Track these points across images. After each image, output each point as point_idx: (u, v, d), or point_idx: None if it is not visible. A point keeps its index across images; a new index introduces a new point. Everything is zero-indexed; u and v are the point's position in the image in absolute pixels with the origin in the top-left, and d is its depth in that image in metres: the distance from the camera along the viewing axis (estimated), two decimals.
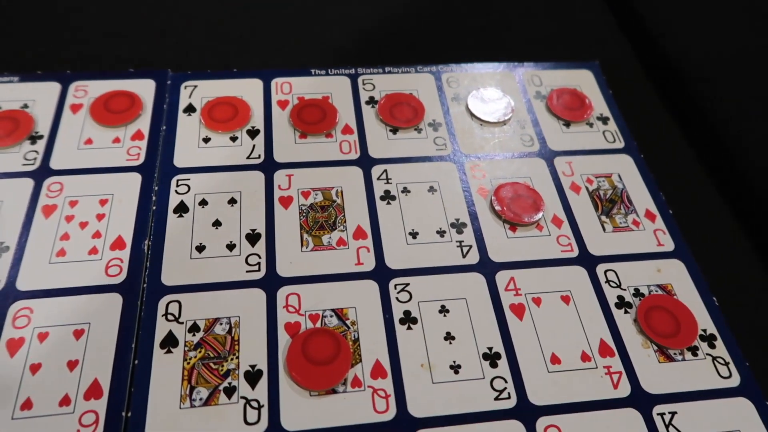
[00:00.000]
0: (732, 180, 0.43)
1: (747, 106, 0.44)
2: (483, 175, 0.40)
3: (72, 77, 0.41)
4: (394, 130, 0.42)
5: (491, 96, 0.44)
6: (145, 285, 0.32)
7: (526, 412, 0.30)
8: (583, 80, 0.47)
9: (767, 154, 0.41)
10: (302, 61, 0.46)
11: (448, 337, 0.32)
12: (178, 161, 0.38)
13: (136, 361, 0.30)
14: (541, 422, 0.30)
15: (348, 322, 0.32)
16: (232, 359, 0.30)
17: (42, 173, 0.36)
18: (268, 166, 0.38)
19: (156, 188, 0.36)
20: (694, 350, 0.33)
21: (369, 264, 0.35)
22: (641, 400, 0.31)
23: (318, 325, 0.32)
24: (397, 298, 0.34)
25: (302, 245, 0.35)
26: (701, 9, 0.49)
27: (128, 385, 0.29)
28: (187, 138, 0.39)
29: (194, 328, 0.31)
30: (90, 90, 0.41)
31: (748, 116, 0.43)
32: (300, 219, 0.36)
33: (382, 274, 0.34)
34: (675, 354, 0.33)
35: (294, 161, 0.39)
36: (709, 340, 0.34)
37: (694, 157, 0.45)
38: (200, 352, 0.31)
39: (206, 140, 0.39)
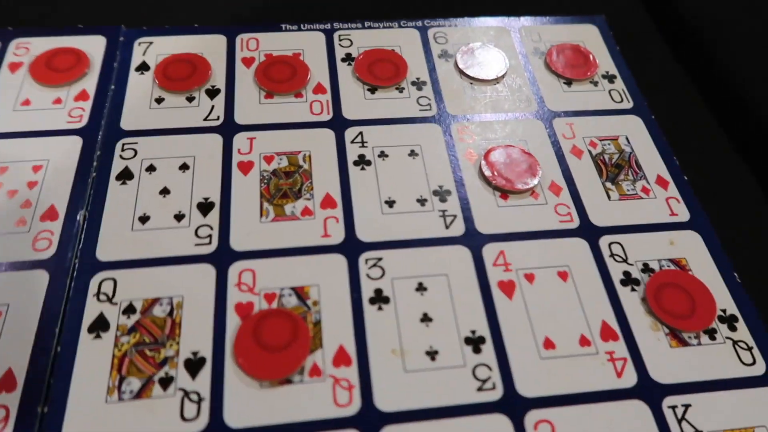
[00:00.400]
0: (753, 142, 0.38)
1: (765, 61, 0.39)
2: (472, 138, 0.35)
3: (13, 33, 0.37)
4: (373, 90, 0.37)
5: (483, 52, 0.40)
6: (76, 261, 0.28)
7: (514, 405, 0.26)
8: (587, 35, 0.42)
9: None
10: (272, 16, 0.41)
11: (425, 318, 0.28)
12: (126, 123, 0.34)
13: (59, 348, 0.26)
14: (531, 417, 0.26)
15: (309, 302, 0.28)
16: (171, 345, 0.26)
17: None
18: (228, 129, 0.34)
19: (98, 153, 0.32)
20: (711, 333, 0.29)
21: (337, 236, 0.30)
22: (649, 391, 0.27)
23: (274, 305, 0.28)
24: (367, 275, 0.29)
25: (261, 215, 0.31)
26: None
27: (47, 376, 0.25)
28: (137, 98, 0.35)
29: (129, 310, 0.27)
30: (32, 47, 0.37)
31: (765, 66, 0.38)
32: (261, 186, 0.32)
33: (351, 248, 0.30)
34: (689, 337, 0.29)
35: (257, 123, 0.35)
36: (730, 321, 0.29)
37: (710, 119, 0.40)
38: (134, 336, 0.26)
39: (159, 101, 0.35)
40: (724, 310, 0.30)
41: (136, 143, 0.33)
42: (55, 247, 0.28)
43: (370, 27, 0.40)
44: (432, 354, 0.27)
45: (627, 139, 0.36)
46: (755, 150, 0.38)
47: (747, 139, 0.38)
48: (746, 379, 0.28)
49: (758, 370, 0.28)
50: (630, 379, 0.27)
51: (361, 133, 0.35)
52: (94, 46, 0.37)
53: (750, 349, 0.28)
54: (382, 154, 0.34)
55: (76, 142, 0.32)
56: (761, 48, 0.40)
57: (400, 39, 0.40)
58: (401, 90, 0.37)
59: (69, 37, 0.37)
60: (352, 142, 0.34)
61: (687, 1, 0.44)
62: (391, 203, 0.32)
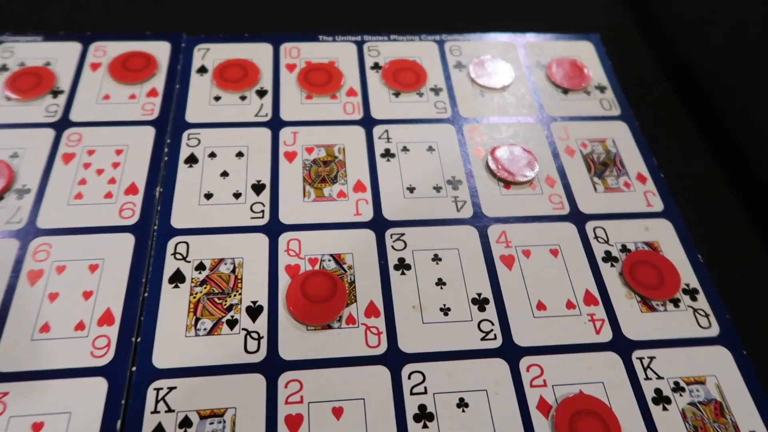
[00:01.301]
0: (723, 143, 0.44)
1: (743, 77, 0.45)
2: (481, 137, 0.41)
3: (92, 38, 0.44)
4: (397, 94, 0.43)
5: (492, 64, 0.46)
6: (155, 227, 0.35)
7: (511, 351, 0.32)
8: (584, 51, 0.48)
9: (757, 120, 0.42)
10: (310, 28, 0.47)
11: (440, 282, 0.34)
12: (190, 117, 0.40)
13: (146, 294, 0.32)
14: (525, 361, 0.32)
15: (345, 266, 0.34)
16: (235, 295, 0.33)
17: (62, 124, 0.38)
18: (275, 124, 0.40)
19: (168, 141, 0.39)
20: (676, 302, 0.35)
21: (367, 215, 0.37)
22: (622, 345, 0.33)
23: (317, 268, 0.34)
24: (392, 247, 0.35)
25: (304, 196, 0.37)
26: None
27: (138, 315, 0.31)
28: (198, 96, 0.41)
29: (200, 267, 0.33)
30: (109, 50, 0.43)
31: (745, 87, 0.44)
32: (303, 172, 0.38)
33: (379, 224, 0.36)
34: (657, 305, 0.35)
35: (299, 120, 0.41)
36: (692, 293, 0.35)
37: (689, 125, 0.46)
38: (205, 288, 0.33)
39: (217, 99, 0.41)
40: (687, 284, 0.36)
41: (199, 134, 0.39)
42: (138, 215, 0.35)
43: (395, 40, 0.47)
44: (445, 310, 0.33)
45: (613, 141, 0.42)
46: (724, 150, 0.44)
47: (718, 140, 0.44)
48: (702, 339, 0.34)
49: (713, 332, 0.34)
50: (606, 335, 0.33)
51: (387, 130, 0.41)
52: (160, 50, 0.43)
53: (707, 315, 0.34)
54: (405, 149, 0.40)
55: (149, 132, 0.39)
56: (736, 63, 0.46)
57: (420, 51, 0.46)
58: (421, 95, 0.43)
59: (139, 42, 0.44)
60: (380, 138, 0.41)
61: (674, 21, 0.51)
62: (411, 189, 0.38)
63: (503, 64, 0.46)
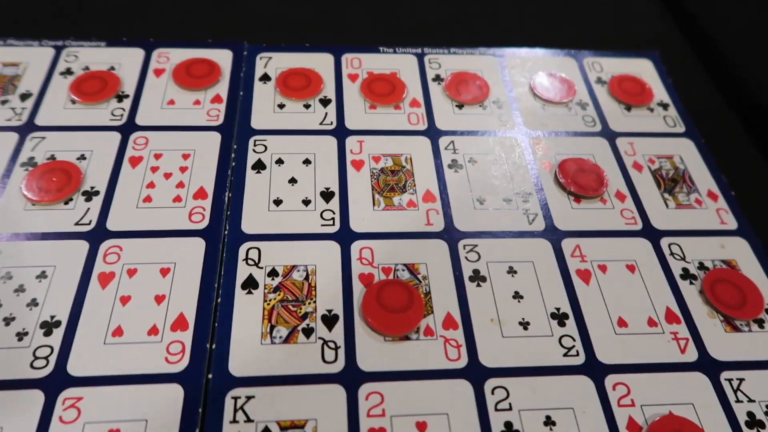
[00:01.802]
0: None
1: None
2: (546, 150, 0.41)
3: (154, 44, 0.44)
4: (460, 106, 0.43)
5: (554, 78, 0.45)
6: (226, 232, 0.34)
7: (595, 369, 0.31)
8: (643, 69, 0.48)
9: None
10: (370, 41, 0.47)
11: (517, 296, 0.33)
12: (255, 123, 0.40)
13: (219, 300, 0.31)
14: (610, 380, 0.31)
15: (419, 276, 0.33)
16: (309, 303, 0.32)
17: (128, 128, 0.38)
18: (340, 132, 0.40)
19: (235, 146, 0.38)
20: (760, 323, 0.34)
21: (438, 225, 0.36)
22: (709, 366, 0.32)
23: (390, 277, 0.33)
24: (466, 258, 0.34)
25: (374, 204, 0.36)
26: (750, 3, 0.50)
27: (212, 320, 0.30)
28: (263, 103, 0.41)
29: (273, 273, 0.32)
30: (171, 57, 0.43)
31: None
32: (371, 181, 0.37)
33: (451, 235, 0.35)
34: (741, 325, 0.33)
35: (364, 129, 0.40)
36: None
37: (753, 144, 0.45)
38: (279, 294, 0.32)
39: (281, 106, 0.41)
40: None
41: (265, 140, 0.39)
42: (208, 220, 0.34)
43: (455, 53, 0.46)
44: (524, 324, 0.32)
45: (681, 158, 0.42)
46: None
47: None
48: None
49: None
50: (692, 355, 0.32)
51: (452, 141, 0.40)
52: (222, 57, 0.43)
53: None
54: (471, 160, 0.39)
55: (215, 137, 0.38)
56: None
57: (481, 64, 0.46)
58: (484, 108, 0.43)
59: (201, 49, 0.44)
60: (446, 148, 0.40)
61: (726, 40, 0.50)
62: (481, 201, 0.37)
63: (565, 78, 0.45)
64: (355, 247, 0.34)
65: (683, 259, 0.36)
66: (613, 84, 0.45)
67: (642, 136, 0.43)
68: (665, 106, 0.45)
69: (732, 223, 0.38)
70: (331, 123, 0.40)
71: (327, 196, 0.36)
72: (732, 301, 0.34)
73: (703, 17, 0.53)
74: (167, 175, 0.36)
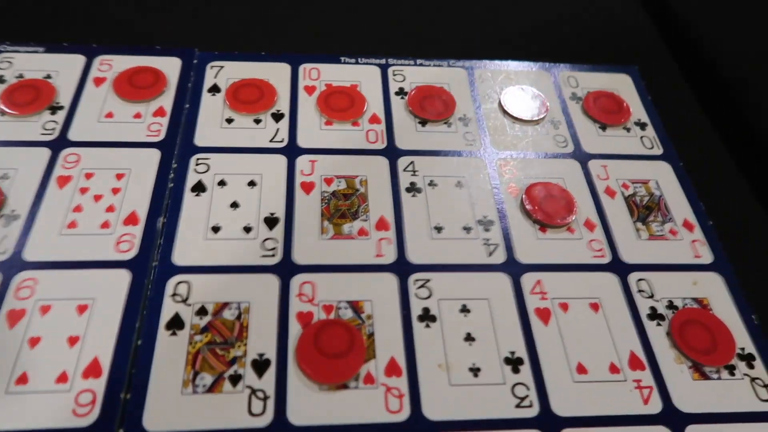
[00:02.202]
0: None
1: None
2: (513, 173, 0.38)
3: (97, 51, 0.41)
4: (423, 123, 0.40)
5: (525, 94, 0.43)
6: (155, 263, 0.31)
7: (550, 422, 0.28)
8: (621, 84, 0.45)
9: None
10: (332, 48, 0.44)
11: (469, 338, 0.31)
12: (199, 140, 0.37)
13: (140, 342, 0.29)
14: None
15: (363, 315, 0.31)
16: (239, 346, 0.29)
17: (59, 143, 0.35)
18: (292, 151, 0.37)
19: (174, 166, 0.35)
20: (731, 369, 0.31)
21: (390, 257, 0.33)
22: (673, 419, 0.29)
23: (332, 316, 0.30)
24: (416, 294, 0.32)
25: (322, 232, 0.34)
26: (742, 15, 0.47)
27: (129, 366, 0.28)
28: (209, 118, 0.38)
29: (202, 311, 0.30)
30: (115, 64, 0.40)
31: None
32: (321, 206, 0.35)
33: (402, 268, 0.33)
34: (710, 372, 0.31)
35: (318, 147, 0.38)
36: (748, 359, 0.32)
37: (734, 168, 0.43)
38: (207, 336, 0.29)
39: (229, 121, 0.38)
40: (742, 349, 0.32)
41: (208, 159, 0.36)
42: (137, 249, 0.31)
43: (421, 64, 0.44)
44: (475, 371, 0.30)
45: (657, 183, 0.39)
46: None
47: (766, 183, 0.41)
48: (762, 414, 0.30)
49: None
50: (655, 406, 0.29)
51: (412, 162, 0.38)
52: (169, 66, 0.40)
53: (766, 386, 0.31)
54: (432, 183, 0.37)
55: (154, 155, 0.35)
56: None
57: (448, 77, 0.43)
58: (449, 125, 0.40)
59: (147, 57, 0.41)
60: (405, 170, 0.37)
61: (714, 54, 0.47)
62: (439, 229, 0.35)
63: (537, 94, 0.43)
64: (296, 281, 0.32)
65: (651, 297, 0.34)
66: (589, 101, 0.43)
67: (617, 159, 0.40)
68: (643, 126, 0.42)
69: (707, 257, 0.36)
70: (282, 140, 0.38)
71: (271, 222, 0.34)
72: (701, 345, 0.32)
73: (690, 30, 0.50)
74: (97, 198, 0.33)
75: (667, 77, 0.48)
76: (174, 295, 0.30)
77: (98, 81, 0.39)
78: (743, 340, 0.32)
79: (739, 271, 0.35)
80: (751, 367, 0.31)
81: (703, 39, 0.49)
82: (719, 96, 0.46)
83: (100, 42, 0.41)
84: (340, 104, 0.40)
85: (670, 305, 0.33)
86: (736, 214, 0.39)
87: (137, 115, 0.37)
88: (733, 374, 0.31)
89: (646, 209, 0.38)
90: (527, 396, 0.29)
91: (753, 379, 0.31)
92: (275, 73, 0.41)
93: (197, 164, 0.36)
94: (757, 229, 0.39)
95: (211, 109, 0.39)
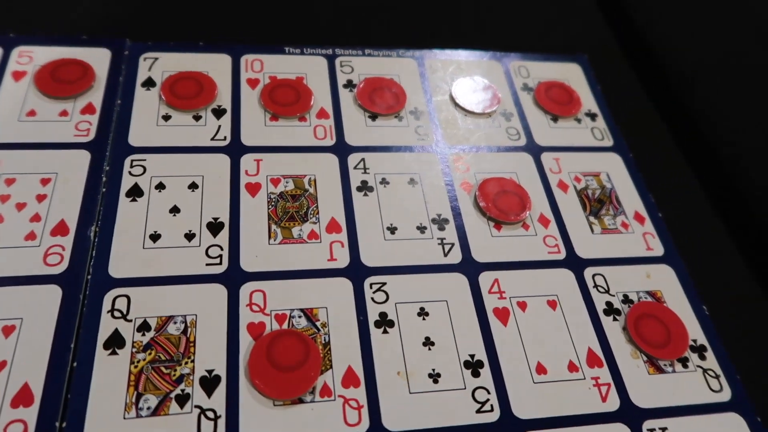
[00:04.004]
0: (721, 181, 0.41)
1: (737, 105, 0.42)
2: (467, 168, 0.37)
3: (16, 41, 0.37)
4: (373, 117, 0.39)
5: (476, 85, 0.42)
6: (89, 276, 0.29)
7: (510, 426, 0.28)
8: (572, 74, 0.45)
9: (756, 155, 0.40)
10: (275, 37, 0.42)
11: (427, 342, 0.30)
12: (134, 140, 0.34)
13: (75, 364, 0.26)
14: None
15: (318, 323, 0.29)
16: (186, 363, 0.27)
17: None
18: (235, 150, 0.35)
19: (107, 168, 0.33)
20: (684, 362, 0.32)
21: (343, 260, 0.32)
22: (631, 415, 0.29)
23: (285, 326, 0.29)
24: (372, 299, 0.31)
25: (270, 237, 0.32)
26: (690, 6, 0.47)
27: (64, 391, 0.25)
28: (144, 114, 0.35)
29: (144, 327, 0.28)
30: (36, 56, 0.36)
31: (738, 115, 0.42)
32: (268, 208, 0.33)
33: (356, 272, 0.31)
34: (665, 365, 0.31)
35: (263, 145, 0.36)
36: (700, 351, 0.32)
37: (682, 157, 0.43)
38: (150, 354, 0.27)
39: (166, 118, 0.36)
40: (695, 341, 0.32)
41: (144, 160, 0.33)
42: (67, 262, 0.29)
43: (370, 54, 0.42)
44: (434, 377, 0.29)
45: (608, 175, 0.39)
46: (723, 186, 0.41)
47: (715, 177, 0.42)
48: (714, 405, 0.30)
49: (724, 396, 0.31)
50: (613, 403, 0.30)
51: (363, 159, 0.36)
52: (98, 58, 0.37)
53: (717, 377, 0.31)
54: (384, 181, 0.35)
55: (84, 156, 0.33)
56: (729, 90, 0.43)
57: (399, 68, 0.42)
58: (400, 119, 0.39)
59: (73, 47, 0.37)
60: (355, 167, 0.36)
61: (662, 43, 0.48)
62: (393, 230, 0.33)
63: (488, 85, 0.42)
64: (245, 290, 0.30)
65: (607, 291, 0.34)
66: (540, 91, 0.42)
67: (568, 151, 0.40)
68: (593, 117, 0.42)
69: (658, 249, 0.36)
70: (225, 138, 0.35)
71: (215, 228, 0.32)
72: (656, 339, 0.32)
73: (637, 17, 0.50)
74: (20, 206, 0.30)
75: (614, 66, 0.48)
76: (112, 310, 0.28)
77: (17, 75, 0.35)
78: (695, 332, 0.33)
79: (688, 262, 0.36)
80: (703, 358, 0.32)
81: (650, 28, 0.49)
82: (666, 86, 0.47)
83: (19, 31, 0.38)
84: (286, 98, 0.38)
85: (626, 299, 0.33)
86: (683, 204, 0.40)
87: (63, 113, 0.34)
88: (686, 366, 0.31)
89: (598, 202, 0.37)
90: (488, 400, 0.28)
91: (705, 371, 0.31)
92: (215, 65, 0.39)
93: (132, 166, 0.33)
94: (704, 219, 0.40)
95: (145, 106, 0.36)
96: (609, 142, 0.41)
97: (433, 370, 0.29)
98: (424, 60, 0.43)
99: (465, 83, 0.42)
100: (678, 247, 0.36)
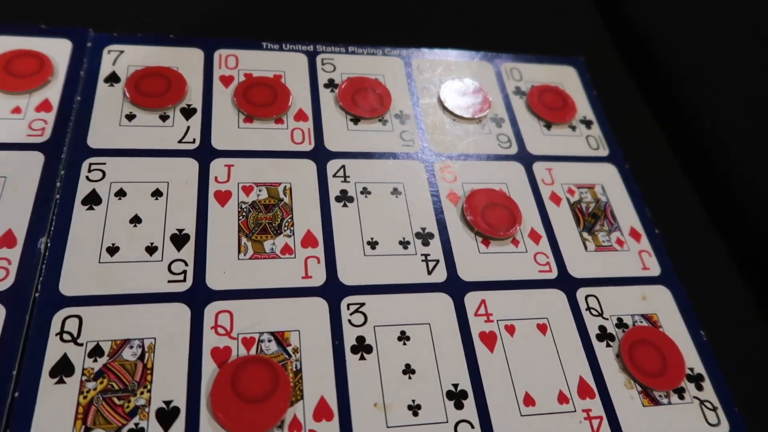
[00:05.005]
0: (721, 195, 0.40)
1: (736, 112, 0.40)
2: (454, 177, 0.35)
3: None
4: (356, 120, 0.36)
5: (466, 88, 0.39)
6: (36, 294, 0.26)
7: None
8: (566, 77, 0.42)
9: (760, 163, 0.38)
10: (252, 31, 0.39)
11: (408, 370, 0.28)
12: (93, 141, 0.31)
13: (17, 394, 0.24)
14: None
15: (290, 348, 0.27)
16: (142, 393, 0.25)
17: None
18: (204, 154, 0.32)
19: (62, 172, 0.30)
20: (680, 392, 0.30)
21: (319, 278, 0.29)
22: None
23: (252, 351, 0.27)
24: (349, 321, 0.28)
25: (240, 252, 0.29)
26: (689, 9, 0.45)
27: (3, 425, 0.23)
28: (106, 113, 0.33)
29: (96, 352, 0.25)
30: None
31: (738, 123, 0.40)
32: (239, 219, 0.30)
33: (333, 291, 0.29)
34: (660, 396, 0.29)
35: (236, 149, 0.33)
36: (697, 380, 0.30)
37: (680, 168, 0.41)
38: (102, 383, 0.25)
39: (130, 117, 0.33)
40: (691, 369, 0.31)
41: (104, 163, 0.31)
42: (13, 278, 0.26)
43: (354, 53, 0.39)
44: (414, 409, 0.27)
45: (603, 188, 0.37)
46: (721, 199, 0.39)
47: (713, 189, 0.40)
48: None
49: (722, 430, 0.29)
50: None
51: (343, 166, 0.34)
52: (57, 49, 0.34)
53: (715, 409, 0.30)
54: (365, 191, 0.33)
55: (37, 158, 0.30)
56: (729, 96, 0.41)
57: (384, 67, 0.39)
58: (384, 122, 0.36)
59: (30, 38, 0.34)
60: (335, 175, 0.33)
61: (661, 48, 0.46)
62: (373, 244, 0.31)
63: (478, 88, 0.39)
64: (211, 310, 0.27)
65: (601, 314, 0.31)
66: (533, 96, 0.40)
67: (562, 161, 0.38)
68: (588, 124, 0.40)
69: (655, 268, 0.34)
70: (194, 141, 0.33)
71: (179, 240, 0.29)
72: (651, 367, 0.30)
73: (636, 19, 0.48)
74: None
75: (611, 69, 0.46)
76: (61, 333, 0.25)
77: None
78: (692, 359, 0.31)
79: (686, 282, 0.34)
80: (700, 388, 0.30)
81: (649, 31, 0.47)
82: (665, 92, 0.45)
83: None
84: (262, 98, 0.35)
85: (620, 323, 0.31)
86: (681, 220, 0.38)
87: (16, 110, 0.31)
88: (682, 398, 0.30)
89: (592, 217, 0.35)
90: None
91: (702, 402, 0.30)
92: (186, 61, 0.36)
93: (90, 170, 0.30)
94: (702, 236, 0.38)
95: (107, 103, 0.33)
96: (605, 151, 0.39)
97: (413, 401, 0.27)
98: (412, 59, 0.40)
99: (454, 85, 0.39)
100: (675, 267, 0.34)
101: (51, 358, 0.25)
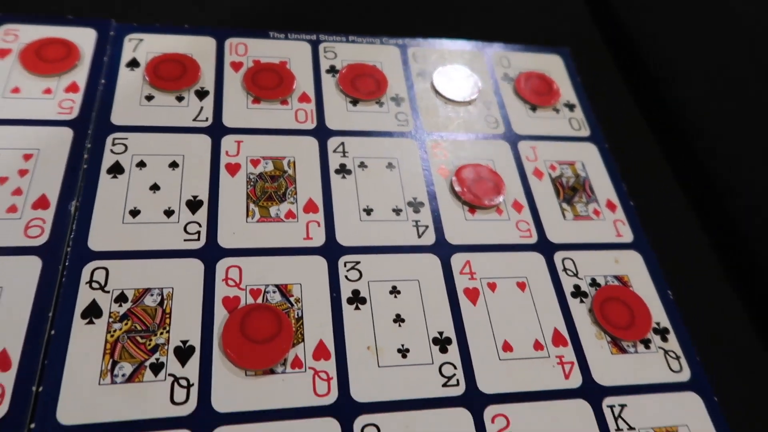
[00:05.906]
0: (694, 174, 0.42)
1: (715, 100, 0.43)
2: (444, 154, 0.38)
3: (2, 19, 0.38)
4: (355, 102, 0.39)
5: (458, 74, 0.42)
6: (68, 249, 0.29)
7: (475, 399, 0.29)
8: (553, 65, 0.46)
9: (731, 149, 0.41)
10: (260, 22, 0.43)
11: (398, 319, 0.31)
12: (116, 118, 0.35)
13: (53, 332, 0.27)
14: (489, 411, 0.29)
15: (292, 299, 0.30)
16: (161, 333, 0.28)
17: None
18: (216, 130, 0.36)
19: (89, 146, 0.33)
20: (646, 343, 0.33)
21: (318, 239, 0.33)
22: (592, 392, 0.30)
23: (259, 300, 0.30)
24: (346, 276, 0.32)
25: (248, 216, 0.33)
26: (675, 5, 0.48)
27: (42, 357, 0.26)
28: (127, 94, 0.36)
29: (121, 298, 0.29)
30: (21, 35, 0.37)
31: (715, 110, 0.43)
32: (247, 188, 0.34)
33: (331, 251, 0.32)
34: (628, 346, 0.32)
35: (244, 127, 0.36)
36: (662, 333, 0.33)
37: (658, 150, 0.44)
38: (126, 324, 0.28)
39: (149, 98, 0.36)
40: (658, 323, 0.33)
41: (126, 138, 0.34)
42: (48, 234, 0.29)
43: (354, 41, 0.43)
44: (403, 352, 0.30)
45: (583, 164, 0.40)
46: (695, 179, 0.42)
47: (688, 170, 0.43)
48: (674, 384, 0.31)
49: (684, 376, 0.32)
50: (576, 380, 0.31)
51: (342, 143, 0.37)
52: (83, 38, 0.38)
53: (678, 358, 0.32)
54: (362, 165, 0.36)
55: (66, 133, 0.33)
56: (708, 88, 0.44)
57: (381, 55, 0.42)
58: (381, 105, 0.40)
59: (58, 27, 0.38)
60: (334, 151, 0.37)
61: (645, 41, 0.49)
62: (369, 211, 0.34)
63: (469, 74, 0.43)
64: (222, 265, 0.31)
65: (576, 275, 0.35)
66: (520, 82, 0.43)
67: (545, 140, 0.41)
68: (571, 107, 0.43)
69: (628, 236, 0.37)
70: (207, 119, 0.36)
71: (194, 205, 0.32)
72: (620, 321, 0.33)
73: (623, 13, 0.51)
74: (2, 180, 0.31)
75: (597, 60, 0.49)
76: (90, 281, 0.29)
77: (3, 53, 0.36)
78: (659, 315, 0.34)
79: (657, 248, 0.37)
80: (665, 340, 0.33)
81: (634, 25, 0.50)
82: (646, 80, 0.48)
83: (5, 9, 0.38)
84: (269, 82, 0.38)
85: (593, 283, 0.34)
86: (656, 195, 0.41)
87: (47, 91, 0.35)
88: (648, 347, 0.32)
89: (571, 190, 0.38)
90: (454, 375, 0.29)
91: (666, 352, 0.33)
92: (199, 48, 0.39)
93: (114, 144, 0.34)
94: (675, 209, 0.41)
95: (129, 86, 0.37)
96: (586, 132, 0.42)
97: (402, 345, 0.30)
98: (408, 48, 0.44)
99: (446, 72, 0.42)
100: (647, 235, 0.37)
101: (82, 303, 0.28)
